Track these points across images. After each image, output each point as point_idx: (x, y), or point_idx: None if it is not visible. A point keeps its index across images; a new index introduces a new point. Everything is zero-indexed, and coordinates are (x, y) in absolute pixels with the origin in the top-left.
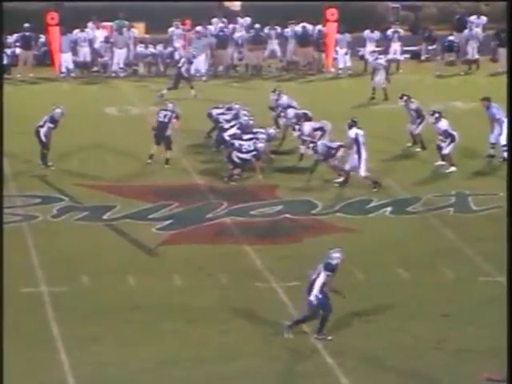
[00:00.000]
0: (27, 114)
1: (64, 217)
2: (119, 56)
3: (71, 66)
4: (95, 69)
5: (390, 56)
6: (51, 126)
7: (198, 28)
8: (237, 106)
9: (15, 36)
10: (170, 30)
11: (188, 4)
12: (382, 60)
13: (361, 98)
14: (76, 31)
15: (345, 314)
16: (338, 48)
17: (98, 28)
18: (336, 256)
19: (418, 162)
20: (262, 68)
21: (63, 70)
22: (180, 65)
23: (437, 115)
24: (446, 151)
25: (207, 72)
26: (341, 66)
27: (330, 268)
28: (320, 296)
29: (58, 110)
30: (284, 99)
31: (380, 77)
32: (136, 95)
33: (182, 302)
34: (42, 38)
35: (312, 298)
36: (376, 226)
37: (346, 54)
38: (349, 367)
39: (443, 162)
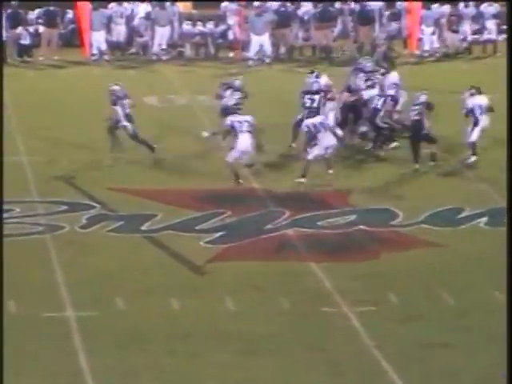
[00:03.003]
0: (52, 103)
1: (95, 227)
2: (161, 35)
3: (104, 46)
4: (133, 50)
5: (485, 36)
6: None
7: (257, 3)
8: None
9: (37, 11)
10: (223, 4)
11: None
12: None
13: (448, 85)
14: (111, 5)
15: (430, 344)
16: (423, 27)
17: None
18: None
19: None
20: (331, 50)
21: (94, 51)
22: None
23: None
24: None
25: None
26: (426, 47)
27: None
28: None
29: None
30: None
31: None
32: (181, 82)
33: (235, 330)
34: (70, 14)
35: None
36: (468, 240)
37: (433, 33)
38: None
39: None
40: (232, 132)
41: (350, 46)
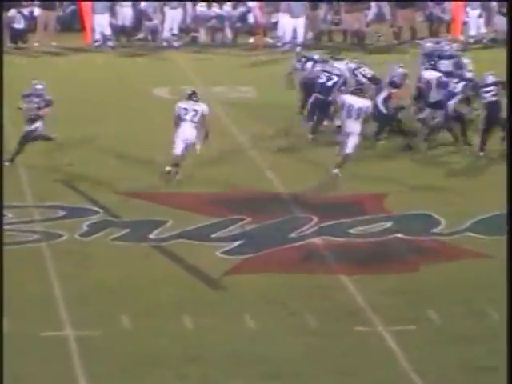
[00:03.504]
0: (50, 94)
1: (97, 235)
2: (172, 19)
3: (108, 31)
4: (140, 36)
5: None
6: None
7: None
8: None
9: None
10: None
11: None
12: None
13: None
14: None
15: (476, 368)
16: (468, 9)
17: None
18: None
19: None
20: (365, 36)
21: (97, 37)
22: None
23: None
24: None
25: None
26: (472, 32)
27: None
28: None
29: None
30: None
31: None
32: (195, 72)
33: (256, 352)
34: None
35: None
36: None
37: (479, 16)
38: None
39: None
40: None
41: (386, 31)
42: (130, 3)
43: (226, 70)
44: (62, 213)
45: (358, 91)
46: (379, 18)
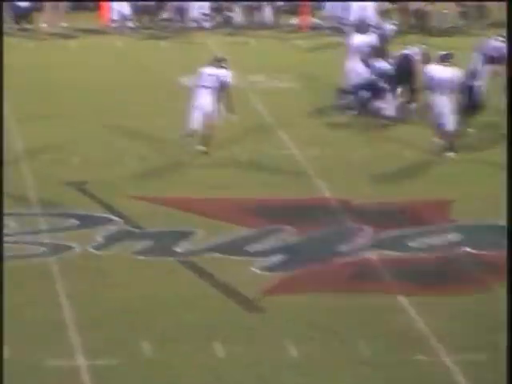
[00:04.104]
0: (59, 85)
1: (115, 248)
2: None
3: (127, 11)
4: (165, 16)
5: None
6: None
7: None
8: None
9: None
10: None
11: None
12: None
13: None
14: None
15: None
16: None
17: None
18: None
19: None
20: (427, 15)
21: (115, 17)
22: None
23: None
24: None
25: None
26: None
27: None
28: None
29: None
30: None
31: None
32: (229, 57)
33: None
34: None
35: None
36: None
37: None
38: None
39: None
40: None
41: (451, 11)
42: None
43: (265, 56)
44: (73, 221)
45: (445, 58)
46: None
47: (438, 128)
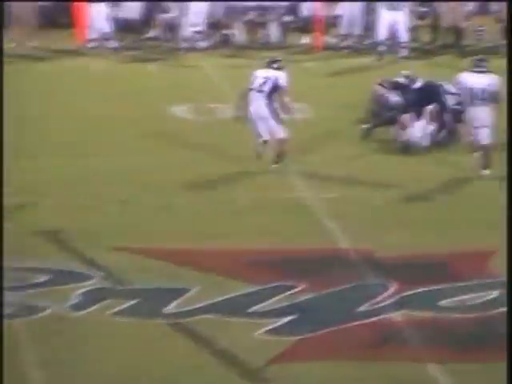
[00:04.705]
0: (28, 116)
1: (94, 308)
2: (196, 10)
3: (107, 28)
4: (152, 34)
5: None
6: None
7: None
8: None
9: None
10: None
11: None
12: None
13: None
14: None
15: None
16: None
17: None
18: None
19: None
20: (462, 32)
21: (93, 35)
22: None
23: None
24: None
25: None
26: None
27: None
28: None
29: None
30: None
31: None
32: (227, 83)
33: None
34: None
35: None
36: None
37: None
38: None
39: None
40: None
41: (490, 27)
42: None
43: None
44: (45, 277)
45: (479, 64)
46: (482, 9)
47: (474, 142)
